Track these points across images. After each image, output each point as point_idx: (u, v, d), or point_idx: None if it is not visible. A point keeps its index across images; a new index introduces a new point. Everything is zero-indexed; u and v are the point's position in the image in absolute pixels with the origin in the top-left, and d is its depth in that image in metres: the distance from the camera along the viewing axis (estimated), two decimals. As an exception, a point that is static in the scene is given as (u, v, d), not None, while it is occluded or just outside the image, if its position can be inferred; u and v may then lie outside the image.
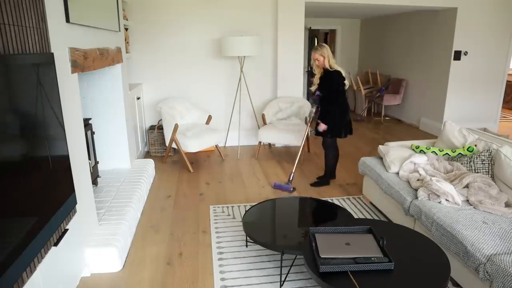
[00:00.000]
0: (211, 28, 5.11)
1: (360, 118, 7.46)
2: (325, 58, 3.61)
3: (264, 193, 3.81)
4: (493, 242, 2.05)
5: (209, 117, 4.97)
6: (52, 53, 1.94)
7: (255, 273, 2.45)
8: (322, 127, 3.69)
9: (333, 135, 3.76)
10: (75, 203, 2.16)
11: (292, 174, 4.00)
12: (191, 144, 4.31)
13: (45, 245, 1.80)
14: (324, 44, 3.68)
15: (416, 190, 2.78)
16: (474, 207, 2.48)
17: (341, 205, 3.22)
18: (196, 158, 4.91)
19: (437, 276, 1.79)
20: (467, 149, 3.06)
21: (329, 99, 3.66)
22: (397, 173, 3.11)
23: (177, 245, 2.84)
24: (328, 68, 3.62)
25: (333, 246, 1.94)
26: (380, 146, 3.47)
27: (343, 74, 3.63)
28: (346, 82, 3.65)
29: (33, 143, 1.72)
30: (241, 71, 4.99)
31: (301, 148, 4.15)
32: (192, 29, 5.08)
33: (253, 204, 3.12)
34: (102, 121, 3.63)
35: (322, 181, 4.04)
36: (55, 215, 1.88)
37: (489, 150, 2.90)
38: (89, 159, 2.98)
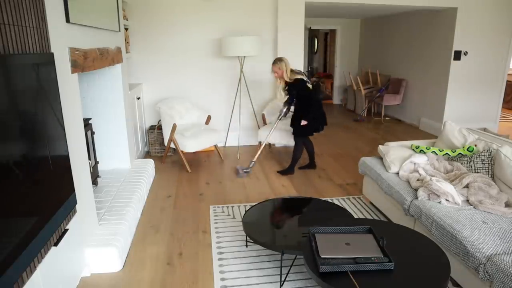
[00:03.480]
0: (211, 28, 5.11)
1: (360, 118, 7.46)
2: (283, 71, 4.04)
3: (264, 193, 3.81)
4: (493, 242, 2.05)
5: (209, 117, 4.96)
6: (52, 53, 1.94)
7: (255, 273, 2.45)
8: (304, 122, 4.08)
9: (303, 134, 4.23)
10: (75, 203, 2.16)
11: (253, 162, 4.44)
12: (189, 144, 4.31)
13: (45, 245, 1.80)
14: (282, 58, 4.09)
15: (416, 190, 2.78)
16: (474, 207, 2.47)
17: (341, 205, 3.22)
18: (196, 158, 4.91)
19: (437, 276, 1.79)
20: (467, 149, 3.06)
21: (304, 103, 4.10)
22: (397, 173, 3.11)
23: (177, 245, 2.84)
24: (287, 80, 4.06)
25: (333, 246, 1.94)
26: (380, 146, 3.47)
27: (305, 79, 4.04)
28: (309, 85, 4.05)
29: (33, 143, 1.72)
30: (241, 71, 4.99)
31: (262, 146, 4.60)
32: (192, 29, 5.08)
33: (253, 204, 3.12)
34: (102, 121, 3.63)
35: (287, 170, 4.36)
36: (55, 215, 1.88)
37: (489, 150, 2.90)
38: (89, 159, 2.98)
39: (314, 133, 4.24)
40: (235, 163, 4.76)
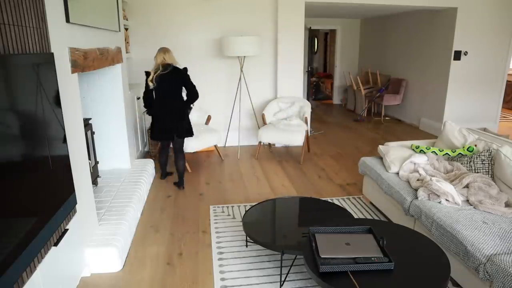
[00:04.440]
0: (211, 28, 5.11)
1: (360, 118, 7.46)
2: None
3: (264, 193, 3.81)
4: (493, 242, 2.05)
5: (209, 117, 4.96)
6: (52, 53, 1.94)
7: (255, 273, 2.45)
8: None
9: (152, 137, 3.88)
10: (75, 203, 2.16)
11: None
12: (189, 144, 4.31)
13: (45, 245, 1.80)
14: (160, 49, 3.64)
15: (416, 190, 2.78)
16: (474, 207, 2.48)
17: (341, 205, 3.22)
18: (196, 158, 4.91)
19: (437, 276, 1.79)
20: (467, 149, 3.06)
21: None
22: (397, 173, 3.11)
23: (177, 245, 2.84)
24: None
25: (333, 246, 1.94)
26: (380, 146, 3.47)
27: (151, 74, 3.57)
28: (150, 83, 3.58)
29: (33, 143, 1.72)
30: (241, 71, 4.99)
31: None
32: (192, 29, 5.08)
33: (253, 204, 3.12)
34: (102, 121, 3.63)
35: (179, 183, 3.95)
36: (55, 215, 1.88)
37: (489, 150, 2.90)
38: (89, 159, 2.98)
39: (159, 140, 3.93)
40: (235, 163, 4.76)
